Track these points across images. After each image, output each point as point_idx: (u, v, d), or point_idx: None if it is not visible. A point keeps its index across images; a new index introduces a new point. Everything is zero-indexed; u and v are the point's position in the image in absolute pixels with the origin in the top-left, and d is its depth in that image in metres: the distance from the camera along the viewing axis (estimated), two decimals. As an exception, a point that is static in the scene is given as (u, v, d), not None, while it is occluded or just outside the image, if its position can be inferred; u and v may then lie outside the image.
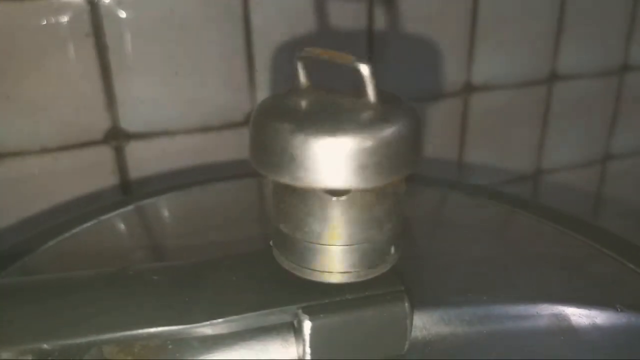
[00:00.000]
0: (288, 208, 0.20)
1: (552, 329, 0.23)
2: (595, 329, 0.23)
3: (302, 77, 0.21)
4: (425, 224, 0.31)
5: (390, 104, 0.20)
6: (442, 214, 0.34)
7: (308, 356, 0.20)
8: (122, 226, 0.31)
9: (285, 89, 0.21)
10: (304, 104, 0.20)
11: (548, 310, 0.23)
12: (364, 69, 0.19)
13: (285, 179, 0.19)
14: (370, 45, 0.43)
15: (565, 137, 0.54)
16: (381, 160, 0.18)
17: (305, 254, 0.21)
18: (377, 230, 0.20)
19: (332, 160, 0.18)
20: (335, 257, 0.20)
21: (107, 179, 0.39)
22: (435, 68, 0.46)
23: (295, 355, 0.21)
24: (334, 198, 0.19)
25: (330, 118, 0.19)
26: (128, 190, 0.40)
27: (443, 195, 0.35)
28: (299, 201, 0.20)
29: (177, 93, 0.39)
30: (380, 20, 0.43)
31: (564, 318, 0.23)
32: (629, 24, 0.53)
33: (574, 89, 0.53)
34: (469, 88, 0.48)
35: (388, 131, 0.18)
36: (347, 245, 0.20)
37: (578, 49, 0.51)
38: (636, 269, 0.27)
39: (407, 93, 0.45)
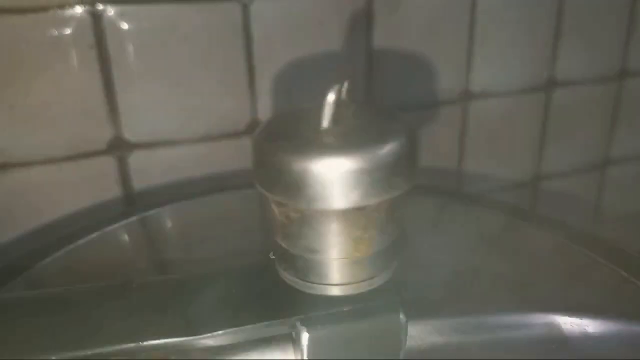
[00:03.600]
0: (287, 223, 0.21)
1: (544, 338, 0.23)
2: (586, 337, 0.24)
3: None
4: (422, 234, 0.31)
5: (388, 122, 0.20)
6: (439, 223, 0.35)
7: (306, 366, 0.21)
8: (125, 238, 0.31)
9: (286, 108, 0.21)
10: (304, 125, 0.20)
11: (540, 320, 0.24)
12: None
13: (288, 201, 0.19)
14: (369, 53, 0.43)
15: (564, 143, 0.55)
16: (381, 179, 0.19)
17: (304, 267, 0.21)
18: (373, 244, 0.21)
19: (333, 181, 0.18)
20: (333, 271, 0.21)
21: (110, 189, 0.40)
22: (434, 76, 0.46)
23: (293, 365, 0.21)
24: (332, 215, 0.20)
25: (330, 140, 0.19)
26: (131, 200, 0.41)
27: (441, 204, 0.35)
28: (297, 216, 0.20)
29: (179, 103, 0.40)
30: (379, 29, 0.43)
31: (556, 327, 0.24)
32: (626, 30, 0.53)
33: (572, 95, 0.53)
34: (468, 96, 0.48)
35: (386, 151, 0.19)
36: (344, 259, 0.21)
37: (576, 55, 0.51)
38: (629, 277, 0.27)
39: (405, 101, 0.46)
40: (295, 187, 0.19)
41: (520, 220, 0.32)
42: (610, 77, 0.54)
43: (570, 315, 0.24)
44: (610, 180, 0.58)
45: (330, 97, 0.19)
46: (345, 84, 0.20)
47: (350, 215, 0.20)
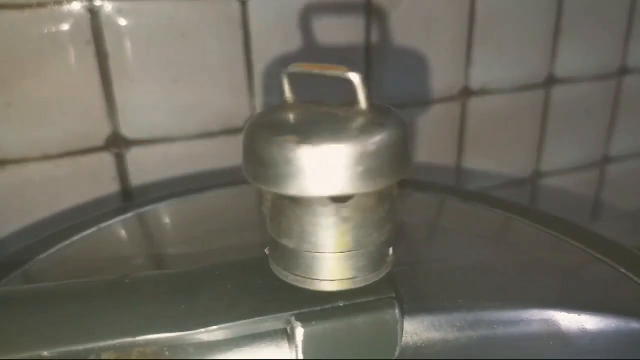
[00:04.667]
0: (280, 217, 0.21)
1: (542, 334, 0.23)
2: (584, 334, 0.23)
3: (288, 92, 0.21)
4: (419, 230, 0.31)
5: (379, 113, 0.20)
6: (437, 220, 0.35)
7: (301, 362, 0.21)
8: (122, 233, 0.31)
9: (278, 103, 0.22)
10: (296, 115, 0.20)
11: (538, 316, 0.24)
12: (355, 78, 0.19)
13: (278, 189, 0.19)
14: (368, 51, 0.43)
15: (564, 141, 0.55)
16: (373, 167, 0.19)
17: (299, 262, 0.21)
18: (370, 237, 0.21)
19: (324, 168, 0.18)
20: (328, 265, 0.21)
21: (108, 185, 0.40)
22: (433, 73, 0.46)
23: (288, 361, 0.21)
24: (327, 206, 0.20)
25: (322, 127, 0.19)
26: (129, 196, 0.41)
27: (439, 201, 0.35)
28: (290, 210, 0.20)
29: (177, 100, 0.40)
30: (378, 26, 0.43)
31: (553, 323, 0.23)
32: (626, 27, 0.53)
33: (572, 93, 0.53)
34: (467, 93, 0.48)
35: (380, 138, 0.19)
36: (339, 253, 0.21)
37: (576, 52, 0.51)
38: (628, 273, 0.27)
39: (404, 98, 0.46)
40: (285, 177, 0.19)
41: (518, 217, 0.32)
42: (609, 74, 0.54)
43: (568, 312, 0.24)
44: (609, 177, 0.58)
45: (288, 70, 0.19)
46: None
47: (343, 206, 0.20)
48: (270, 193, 0.20)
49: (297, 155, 0.18)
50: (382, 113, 0.20)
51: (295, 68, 0.20)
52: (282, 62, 0.41)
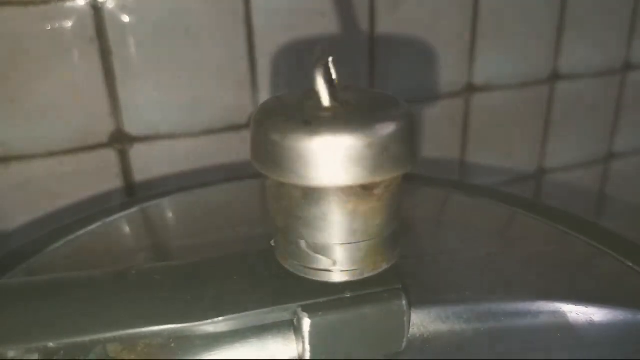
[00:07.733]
0: (287, 207, 0.20)
1: (549, 326, 0.23)
2: (592, 326, 0.23)
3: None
4: (425, 224, 0.31)
5: (387, 104, 0.20)
6: (443, 214, 0.34)
7: (308, 353, 0.20)
8: (126, 228, 0.31)
9: (285, 91, 0.21)
10: (303, 105, 0.20)
11: (546, 308, 0.23)
12: None
13: (285, 178, 0.19)
14: (372, 46, 0.43)
15: (568, 137, 0.54)
16: (379, 158, 0.19)
17: (305, 253, 0.21)
18: (376, 229, 0.21)
19: (333, 158, 0.18)
20: (335, 256, 0.21)
21: (111, 181, 0.40)
22: (437, 69, 0.46)
23: (295, 353, 0.21)
24: (334, 197, 0.20)
25: (330, 117, 0.19)
26: (132, 193, 0.41)
27: (444, 195, 0.35)
28: (297, 200, 0.20)
29: (180, 96, 0.40)
30: (382, 22, 0.43)
31: (561, 315, 0.23)
32: (630, 23, 0.53)
33: (576, 89, 0.53)
34: (471, 88, 0.48)
35: (385, 129, 0.19)
36: (346, 244, 0.21)
37: (580, 48, 0.51)
38: (634, 266, 0.27)
39: (408, 94, 0.46)
40: (293, 165, 0.18)
41: (524, 210, 0.32)
42: (613, 70, 0.54)
43: (575, 304, 0.24)
44: (613, 173, 0.58)
45: (320, 74, 0.19)
46: (330, 60, 0.20)
47: (352, 196, 0.20)
48: (276, 183, 0.20)
49: (305, 145, 0.18)
50: (388, 105, 0.20)
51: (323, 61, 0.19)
52: (285, 57, 0.41)
